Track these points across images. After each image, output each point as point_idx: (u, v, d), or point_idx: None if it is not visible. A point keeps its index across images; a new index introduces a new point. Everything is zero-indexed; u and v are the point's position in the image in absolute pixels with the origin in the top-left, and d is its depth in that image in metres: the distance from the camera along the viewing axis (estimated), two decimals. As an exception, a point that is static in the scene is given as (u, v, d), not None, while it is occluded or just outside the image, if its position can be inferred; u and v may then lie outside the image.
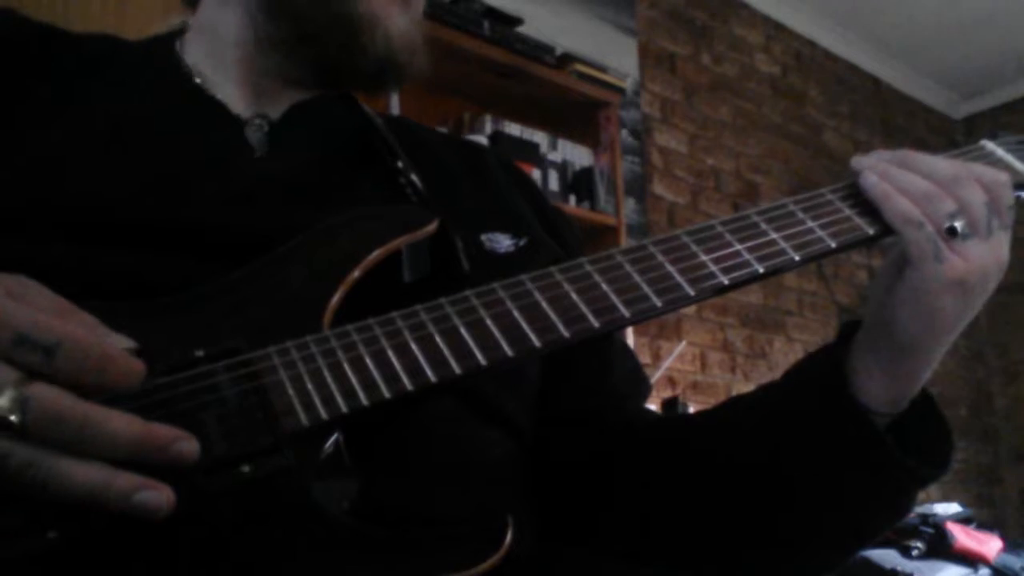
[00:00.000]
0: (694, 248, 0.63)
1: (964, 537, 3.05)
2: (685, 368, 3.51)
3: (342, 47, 0.76)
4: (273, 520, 0.52)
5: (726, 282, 0.62)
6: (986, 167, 0.67)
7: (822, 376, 0.68)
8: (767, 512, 0.69)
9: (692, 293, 0.61)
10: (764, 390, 0.73)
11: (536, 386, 0.77)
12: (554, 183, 2.92)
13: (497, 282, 0.60)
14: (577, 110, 3.07)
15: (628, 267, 0.62)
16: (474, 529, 0.55)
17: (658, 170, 3.66)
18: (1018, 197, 0.73)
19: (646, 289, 0.61)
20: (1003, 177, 0.67)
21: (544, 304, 0.59)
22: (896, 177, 0.66)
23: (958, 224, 0.63)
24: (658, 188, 3.64)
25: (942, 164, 0.66)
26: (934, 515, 3.14)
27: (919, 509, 3.25)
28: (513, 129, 2.85)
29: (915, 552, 3.00)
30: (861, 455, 0.65)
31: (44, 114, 0.71)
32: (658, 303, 0.60)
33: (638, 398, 0.85)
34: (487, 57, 2.75)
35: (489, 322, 0.58)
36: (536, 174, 2.84)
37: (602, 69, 3.16)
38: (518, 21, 2.90)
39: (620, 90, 3.21)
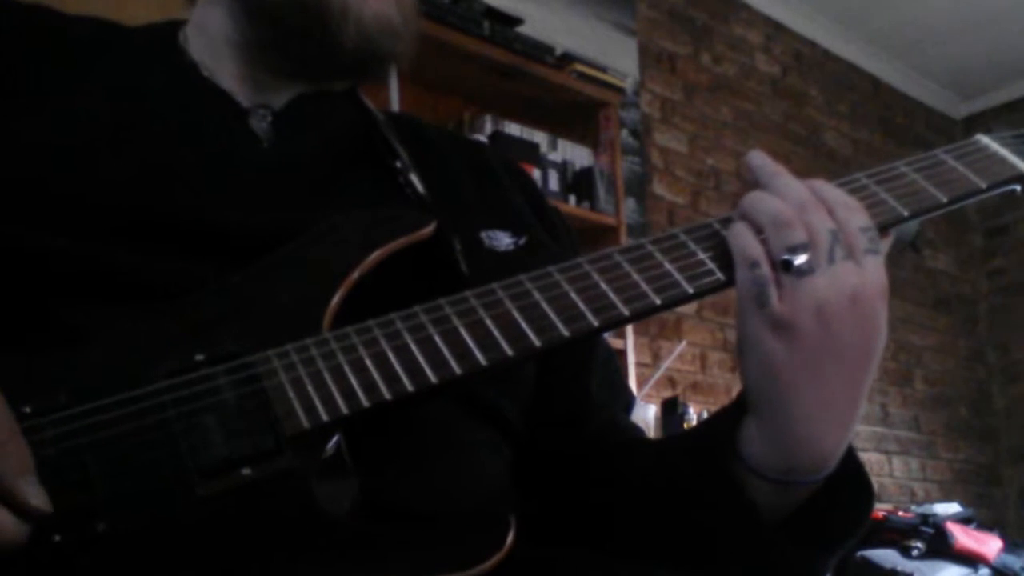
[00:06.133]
0: (692, 246, 0.63)
1: (964, 537, 3.06)
2: (685, 368, 3.51)
3: (317, 42, 0.74)
4: (275, 522, 0.52)
5: (723, 279, 0.62)
6: (839, 190, 0.63)
7: (706, 443, 0.65)
8: (661, 555, 0.67)
9: (690, 291, 0.61)
10: (674, 439, 0.72)
11: (532, 388, 0.76)
12: (554, 183, 2.92)
13: (496, 282, 0.60)
14: (577, 110, 3.08)
15: (627, 266, 0.61)
16: (476, 529, 0.55)
17: (658, 170, 3.66)
18: (1013, 191, 0.73)
19: (644, 287, 0.60)
20: (851, 201, 0.62)
21: (543, 303, 0.59)
22: (753, 201, 0.62)
23: (798, 260, 0.58)
24: (658, 188, 3.64)
25: (795, 187, 0.62)
26: (934, 515, 3.14)
27: (919, 509, 3.26)
28: (513, 129, 2.85)
29: (915, 552, 3.00)
30: (735, 531, 0.62)
31: (40, 100, 0.70)
32: (656, 300, 0.60)
33: (615, 407, 0.83)
34: (487, 57, 2.76)
35: (489, 322, 0.58)
36: (536, 174, 2.84)
37: (602, 69, 3.16)
38: (518, 21, 2.90)
39: (620, 90, 3.21)
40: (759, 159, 0.65)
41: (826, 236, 0.59)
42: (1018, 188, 0.73)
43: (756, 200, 0.62)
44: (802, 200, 0.61)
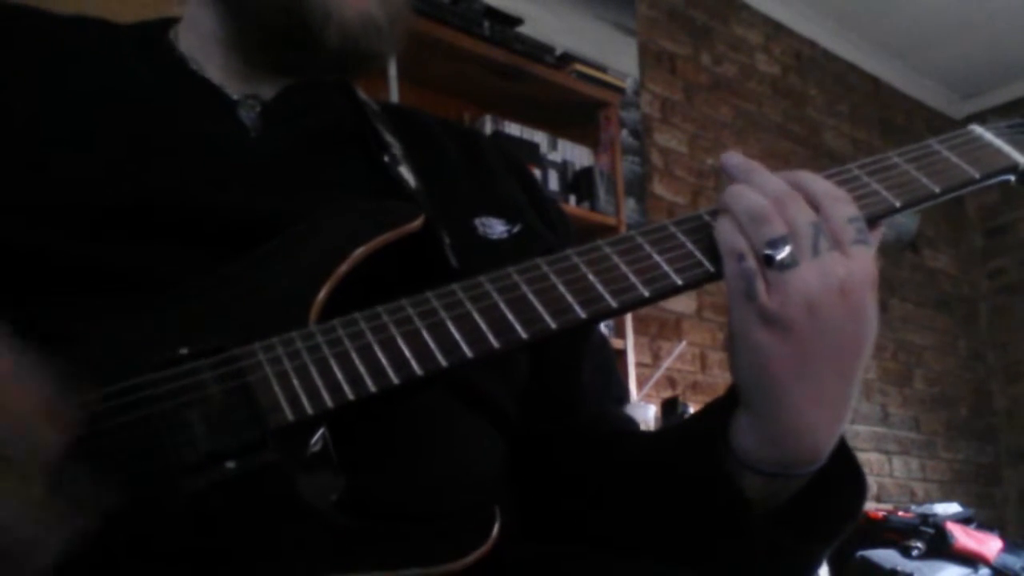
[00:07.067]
0: (681, 238, 0.62)
1: (964, 537, 3.06)
2: (685, 368, 3.51)
3: (300, 43, 0.74)
4: (259, 517, 0.52)
5: (712, 270, 0.61)
6: (825, 181, 0.62)
7: (697, 436, 0.65)
8: (652, 547, 0.67)
9: (679, 282, 0.60)
10: (668, 431, 0.70)
11: (525, 375, 0.76)
12: (554, 183, 2.93)
13: (483, 275, 0.60)
14: (577, 110, 3.07)
15: (615, 257, 0.61)
16: (461, 521, 0.55)
17: (658, 170, 3.66)
18: (1007, 181, 0.73)
19: (633, 279, 0.60)
20: (837, 191, 0.61)
21: (531, 296, 0.58)
22: (730, 196, 0.61)
23: (779, 254, 0.57)
24: (658, 188, 3.64)
25: (772, 181, 0.61)
26: (934, 515, 3.14)
27: (919, 509, 3.26)
28: (513, 129, 2.85)
29: (915, 552, 3.00)
30: (727, 522, 0.62)
31: (29, 95, 0.70)
32: (645, 292, 0.59)
33: (608, 398, 0.83)
34: (487, 57, 2.75)
35: (475, 315, 0.57)
36: (536, 174, 2.83)
37: (602, 69, 3.17)
38: (518, 21, 2.91)
39: (620, 90, 3.21)
40: (734, 159, 0.64)
41: (807, 228, 0.58)
42: (1012, 178, 0.73)
43: (733, 194, 0.61)
44: (779, 193, 0.60)
